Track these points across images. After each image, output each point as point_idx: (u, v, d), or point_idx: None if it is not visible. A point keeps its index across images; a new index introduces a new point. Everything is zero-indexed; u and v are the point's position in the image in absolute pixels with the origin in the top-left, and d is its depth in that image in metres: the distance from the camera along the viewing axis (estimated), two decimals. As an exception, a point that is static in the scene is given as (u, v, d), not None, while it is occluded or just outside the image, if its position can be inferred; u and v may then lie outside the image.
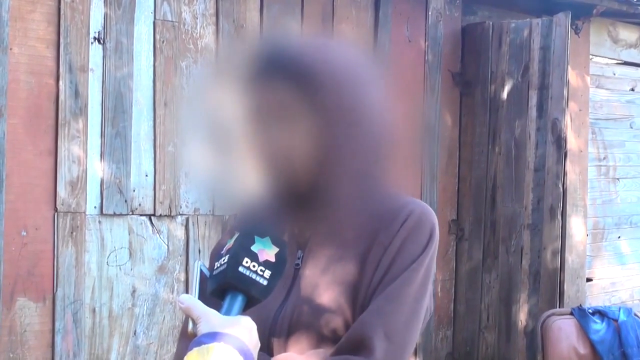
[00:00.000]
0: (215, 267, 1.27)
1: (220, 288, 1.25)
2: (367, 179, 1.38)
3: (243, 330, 1.19)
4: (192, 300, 1.23)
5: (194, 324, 1.20)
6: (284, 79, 1.33)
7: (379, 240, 1.37)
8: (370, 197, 1.38)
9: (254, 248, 1.25)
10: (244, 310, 1.24)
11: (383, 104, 1.40)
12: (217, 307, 1.23)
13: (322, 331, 1.35)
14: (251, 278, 1.24)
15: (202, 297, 1.26)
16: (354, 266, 1.37)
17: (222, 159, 1.37)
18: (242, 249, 1.25)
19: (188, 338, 1.20)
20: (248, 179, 1.34)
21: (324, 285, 1.37)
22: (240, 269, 1.24)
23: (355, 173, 1.36)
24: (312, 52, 1.38)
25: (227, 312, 1.22)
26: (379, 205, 1.39)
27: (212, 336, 1.16)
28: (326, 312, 1.35)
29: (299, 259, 1.43)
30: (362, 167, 1.36)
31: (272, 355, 1.36)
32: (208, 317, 1.20)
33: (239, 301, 1.24)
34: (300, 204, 1.37)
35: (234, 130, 1.34)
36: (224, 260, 1.25)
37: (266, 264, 1.25)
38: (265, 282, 1.24)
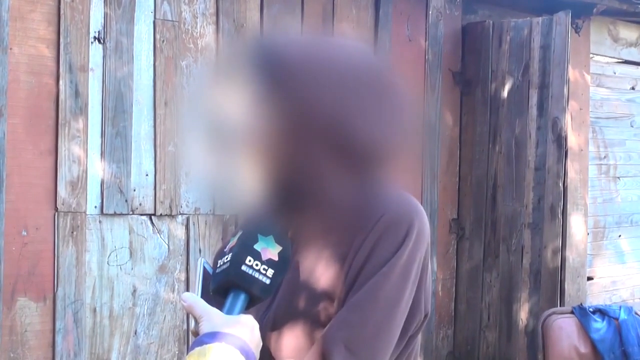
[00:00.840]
0: (218, 265, 1.26)
1: (222, 286, 1.24)
2: (354, 178, 1.33)
3: (244, 329, 1.19)
4: (194, 299, 1.22)
5: (196, 322, 1.20)
6: (258, 74, 1.31)
7: (355, 245, 1.31)
8: (356, 197, 1.33)
9: (257, 247, 1.25)
10: (247, 309, 1.24)
11: (374, 102, 1.34)
12: (220, 306, 1.22)
13: (308, 330, 1.33)
14: (254, 277, 1.23)
15: (205, 295, 1.26)
16: (334, 269, 1.33)
17: (221, 158, 1.36)
18: (245, 248, 1.25)
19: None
20: (246, 178, 1.33)
21: (309, 287, 1.35)
22: (243, 267, 1.23)
23: (338, 173, 1.31)
24: (288, 49, 1.35)
25: (230, 311, 1.22)
26: (362, 206, 1.33)
27: (213, 336, 1.16)
28: (310, 312, 1.33)
29: None
30: (344, 166, 1.31)
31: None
32: (210, 316, 1.19)
33: (241, 300, 1.23)
34: (287, 205, 1.34)
35: (232, 129, 1.33)
36: (226, 258, 1.25)
37: (269, 263, 1.24)
38: (268, 281, 1.24)
